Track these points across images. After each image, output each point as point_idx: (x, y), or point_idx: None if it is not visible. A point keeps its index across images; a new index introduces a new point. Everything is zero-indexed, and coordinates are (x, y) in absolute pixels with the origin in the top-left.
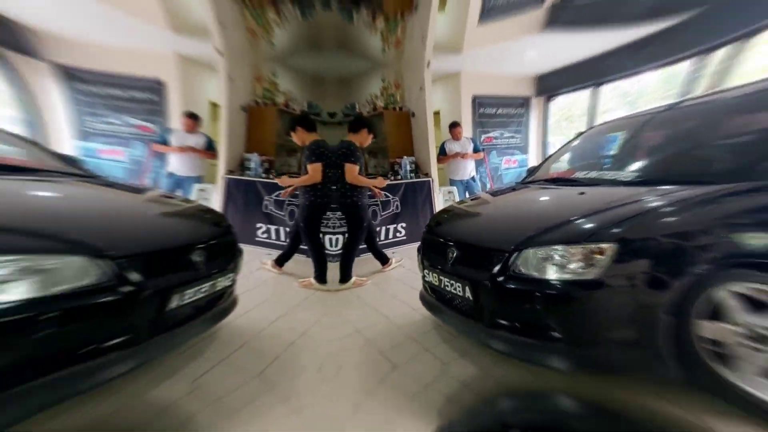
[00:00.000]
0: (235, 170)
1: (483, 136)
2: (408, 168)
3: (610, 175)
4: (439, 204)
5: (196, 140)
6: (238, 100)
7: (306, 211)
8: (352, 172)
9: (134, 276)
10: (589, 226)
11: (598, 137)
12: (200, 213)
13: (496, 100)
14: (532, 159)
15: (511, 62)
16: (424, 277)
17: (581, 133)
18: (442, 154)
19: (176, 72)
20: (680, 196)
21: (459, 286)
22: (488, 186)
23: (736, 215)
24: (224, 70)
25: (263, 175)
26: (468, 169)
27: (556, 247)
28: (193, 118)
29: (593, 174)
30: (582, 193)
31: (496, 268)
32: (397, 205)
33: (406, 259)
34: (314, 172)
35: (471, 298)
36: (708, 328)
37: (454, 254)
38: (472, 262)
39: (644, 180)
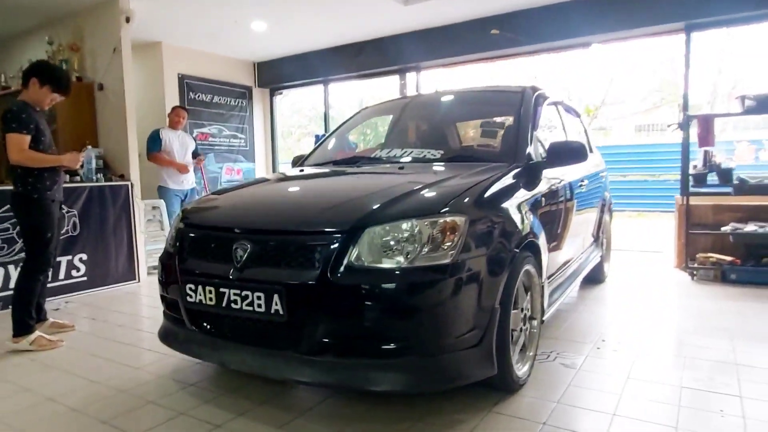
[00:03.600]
0: None
1: (196, 131)
2: (93, 164)
3: (414, 153)
4: (142, 226)
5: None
6: None
7: None
8: (18, 144)
9: None
10: (436, 198)
11: (372, 119)
12: None
13: (211, 84)
14: (261, 170)
15: (232, 39)
16: (186, 297)
17: (350, 119)
18: (155, 147)
19: None
20: (485, 174)
21: (260, 299)
22: None
23: (521, 196)
24: None
25: None
26: (191, 175)
27: (406, 222)
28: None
29: (396, 152)
30: (401, 168)
31: (326, 260)
32: (74, 222)
33: (81, 318)
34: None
35: (282, 312)
36: (512, 317)
37: (249, 250)
38: (283, 257)
39: (449, 158)
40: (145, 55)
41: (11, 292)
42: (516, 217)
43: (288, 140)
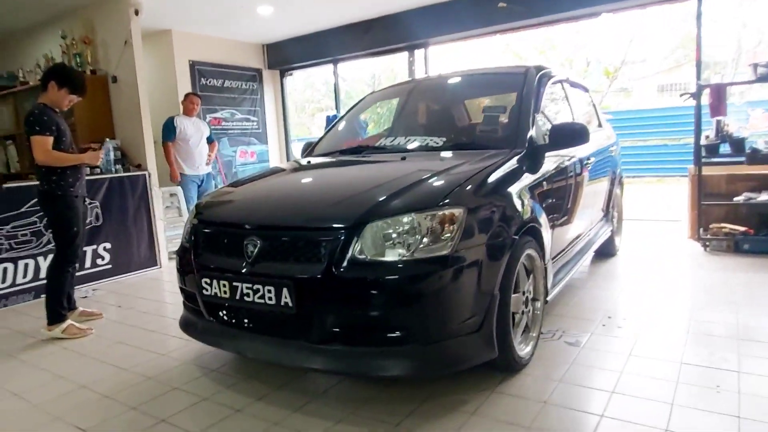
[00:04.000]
0: None
1: (209, 117)
2: (111, 156)
3: (417, 141)
4: (161, 213)
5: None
6: None
7: None
8: (42, 146)
9: None
10: (435, 191)
11: (376, 106)
12: None
13: (221, 69)
14: (274, 152)
15: (240, 24)
16: (202, 290)
17: (358, 103)
18: (170, 136)
19: None
20: (484, 163)
21: (270, 292)
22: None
23: (514, 182)
24: None
25: None
26: (204, 158)
27: (406, 217)
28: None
29: (400, 141)
30: (404, 158)
31: (332, 254)
32: (97, 213)
33: (108, 306)
34: None
35: (291, 304)
36: (513, 301)
37: (259, 246)
38: (291, 252)
39: (451, 146)
40: (156, 44)
41: (41, 282)
42: (516, 203)
43: (302, 116)
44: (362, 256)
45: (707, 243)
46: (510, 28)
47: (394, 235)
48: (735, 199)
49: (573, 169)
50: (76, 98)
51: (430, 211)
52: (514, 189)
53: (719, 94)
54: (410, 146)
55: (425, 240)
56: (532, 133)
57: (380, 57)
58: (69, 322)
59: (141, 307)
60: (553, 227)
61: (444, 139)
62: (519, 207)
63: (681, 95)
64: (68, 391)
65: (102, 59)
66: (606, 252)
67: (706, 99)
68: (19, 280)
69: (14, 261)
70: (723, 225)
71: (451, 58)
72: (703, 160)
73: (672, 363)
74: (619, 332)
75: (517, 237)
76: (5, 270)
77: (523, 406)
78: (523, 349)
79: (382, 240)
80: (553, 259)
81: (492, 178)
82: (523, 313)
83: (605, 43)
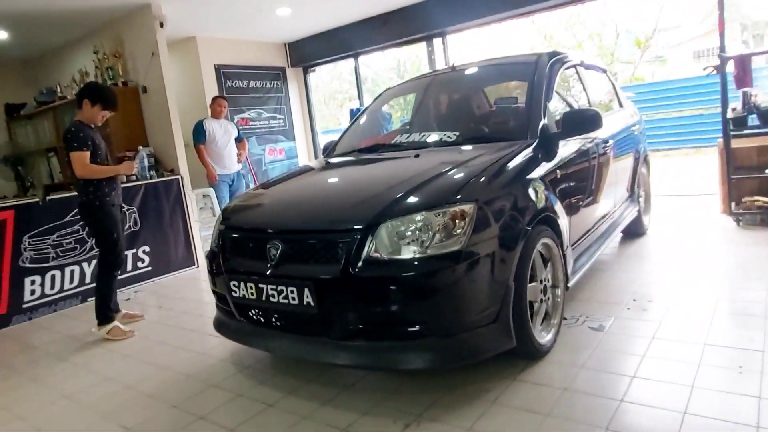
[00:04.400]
0: None
1: (237, 117)
2: (145, 163)
3: (432, 137)
4: (195, 215)
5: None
6: None
7: None
8: (81, 160)
9: None
10: (445, 188)
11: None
12: None
13: (245, 70)
14: (302, 148)
15: (261, 25)
16: (231, 292)
17: (377, 97)
18: (200, 139)
19: None
20: (495, 156)
21: (293, 293)
22: (252, 185)
23: (526, 173)
24: None
25: None
26: (233, 158)
27: (417, 215)
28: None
29: (411, 137)
30: (417, 156)
31: (348, 255)
32: (135, 219)
33: (150, 307)
34: None
35: (313, 304)
36: (529, 290)
37: (281, 249)
38: (310, 254)
39: (464, 140)
40: (182, 51)
41: (88, 287)
42: (528, 194)
43: (331, 106)
44: (377, 255)
45: (740, 217)
46: (526, 12)
47: (407, 234)
48: (767, 171)
49: (590, 154)
50: (108, 113)
51: (441, 208)
52: (525, 180)
53: (744, 64)
54: (424, 142)
55: (437, 236)
56: (544, 122)
57: (400, 48)
58: (114, 323)
59: (180, 308)
60: (570, 214)
61: (457, 133)
62: (532, 197)
63: (704, 68)
64: (114, 392)
65: (132, 71)
66: (634, 232)
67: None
68: (67, 285)
69: (61, 268)
70: (756, 198)
71: (474, 44)
72: (732, 132)
73: (696, 344)
74: (644, 315)
75: (530, 227)
76: (53, 277)
77: (543, 393)
78: (544, 337)
79: (395, 238)
80: (573, 245)
81: (502, 171)
82: (541, 301)
83: (634, 12)
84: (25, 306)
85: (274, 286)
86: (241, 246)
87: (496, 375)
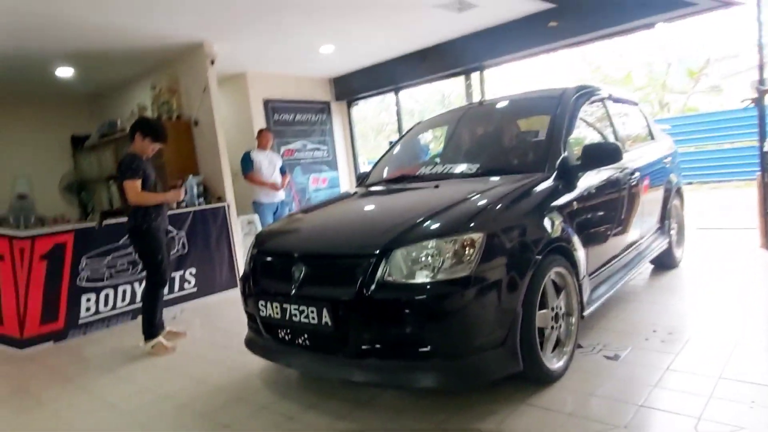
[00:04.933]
0: None
1: (283, 149)
2: (194, 191)
3: (449, 169)
4: (239, 240)
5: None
6: None
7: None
8: (133, 189)
9: None
10: (456, 217)
11: (424, 134)
12: None
13: (292, 104)
14: (344, 177)
15: (307, 62)
16: (258, 312)
17: (408, 131)
18: (248, 168)
19: None
20: (508, 188)
21: (313, 313)
22: None
23: (540, 205)
24: None
25: None
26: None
27: (428, 243)
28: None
29: (435, 169)
30: (437, 187)
31: (362, 278)
32: (183, 243)
33: (193, 325)
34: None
35: (330, 323)
36: (539, 317)
37: (303, 272)
38: (329, 277)
39: (475, 172)
40: (233, 86)
41: (137, 306)
42: (540, 225)
43: (378, 138)
44: (390, 279)
45: None
46: (563, 45)
47: (419, 259)
48: None
49: (615, 186)
50: (158, 145)
51: (451, 236)
52: (538, 211)
53: None
54: (446, 173)
55: (447, 263)
56: (564, 155)
57: (439, 82)
58: (158, 339)
59: (219, 326)
60: (589, 245)
61: (478, 165)
62: (544, 228)
63: (741, 101)
64: (152, 401)
65: (185, 105)
66: (665, 264)
67: None
68: (119, 304)
69: (114, 287)
70: None
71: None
72: None
73: (710, 378)
74: (662, 346)
75: (540, 257)
76: (107, 296)
77: (549, 417)
78: (554, 363)
79: (408, 263)
80: (591, 275)
81: (515, 203)
82: (552, 328)
83: (686, 42)
84: (81, 322)
85: (296, 306)
86: (269, 269)
87: (505, 398)
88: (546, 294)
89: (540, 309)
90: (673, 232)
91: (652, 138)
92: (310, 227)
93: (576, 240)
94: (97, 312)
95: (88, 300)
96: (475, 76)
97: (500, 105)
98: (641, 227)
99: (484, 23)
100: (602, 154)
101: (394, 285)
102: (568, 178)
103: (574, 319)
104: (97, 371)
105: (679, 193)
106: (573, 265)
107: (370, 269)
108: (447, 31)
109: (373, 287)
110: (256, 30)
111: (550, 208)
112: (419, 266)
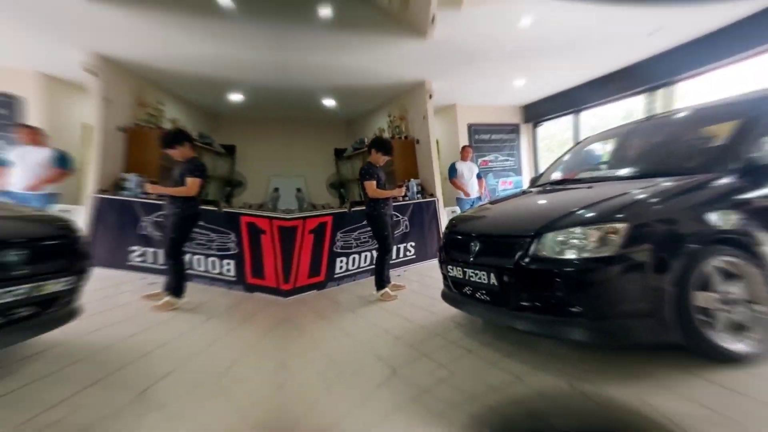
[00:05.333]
0: (109, 190)
1: (480, 160)
2: (414, 189)
3: (609, 173)
4: (445, 224)
5: (42, 155)
6: (114, 121)
7: (186, 221)
8: (370, 187)
9: None
10: (603, 210)
11: (591, 146)
12: (31, 215)
13: (489, 127)
14: (526, 180)
15: (502, 94)
16: (447, 273)
17: (576, 144)
18: (453, 175)
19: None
20: (669, 186)
21: (484, 275)
22: None
23: (707, 201)
24: (98, 90)
25: (142, 196)
26: (476, 187)
27: (574, 229)
28: (32, 129)
29: (595, 173)
30: (590, 187)
31: (520, 253)
32: (406, 225)
33: (411, 281)
34: (194, 185)
35: (496, 284)
36: (699, 297)
37: (478, 246)
38: (496, 251)
39: (639, 174)
40: (445, 114)
41: (372, 266)
42: (699, 218)
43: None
44: (540, 254)
45: None
46: (756, 52)
47: (566, 241)
48: None
49: None
50: (387, 158)
51: (597, 224)
52: (700, 207)
53: None
54: (604, 177)
55: (592, 245)
56: (750, 155)
57: (618, 102)
58: (385, 290)
59: (428, 283)
60: None
61: (638, 168)
62: (705, 222)
63: None
64: (377, 333)
65: (411, 129)
66: None
67: None
68: (362, 264)
69: (359, 253)
70: None
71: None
72: None
73: None
74: None
75: (698, 246)
76: (354, 258)
77: (717, 393)
78: (733, 344)
79: (554, 244)
80: None
81: (669, 199)
82: (720, 310)
83: None
84: (335, 276)
85: (473, 270)
86: (455, 243)
87: (671, 367)
88: (711, 278)
89: (704, 291)
90: None
91: None
92: (487, 215)
93: (760, 234)
94: (347, 270)
95: (341, 261)
96: (662, 92)
97: (671, 118)
98: None
99: (674, 42)
100: None
101: (544, 259)
102: (755, 177)
103: (760, 307)
104: (343, 311)
105: None
106: (754, 256)
107: (526, 246)
108: (634, 56)
109: (527, 259)
110: (463, 70)
111: (721, 204)
112: (566, 245)
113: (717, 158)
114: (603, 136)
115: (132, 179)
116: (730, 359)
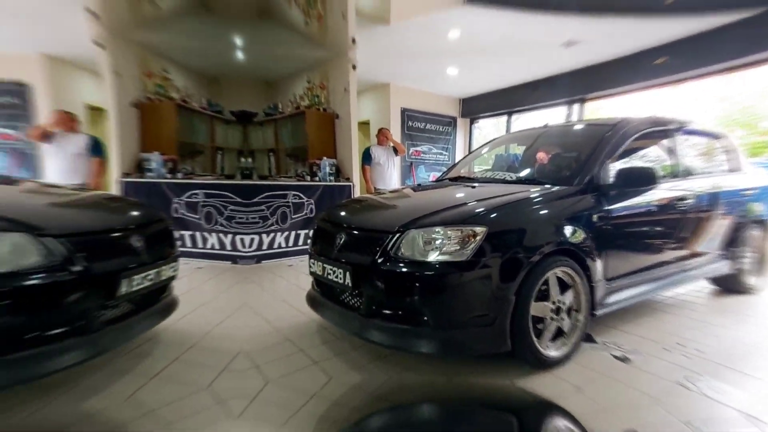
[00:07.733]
0: (132, 172)
1: (412, 149)
2: (327, 170)
3: (497, 174)
4: None
5: (79, 142)
6: (127, 97)
7: None
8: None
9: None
10: (467, 211)
11: (497, 147)
12: (113, 200)
13: (424, 115)
14: None
15: (437, 80)
16: (310, 268)
17: (487, 143)
18: (367, 161)
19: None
20: (531, 194)
21: (340, 273)
22: None
23: (558, 213)
24: (108, 64)
25: (168, 176)
26: (394, 178)
27: (436, 228)
28: (68, 114)
29: (487, 174)
30: (473, 187)
31: (378, 251)
32: (311, 208)
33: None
34: None
35: (350, 284)
36: (535, 307)
37: (342, 240)
38: (356, 246)
39: (520, 180)
40: (378, 93)
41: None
42: (546, 229)
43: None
44: (398, 254)
45: None
46: (666, 81)
47: (428, 241)
48: None
49: (660, 207)
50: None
51: (456, 226)
52: (549, 218)
53: None
54: (492, 178)
55: (447, 247)
56: (594, 173)
57: (544, 110)
58: None
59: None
60: (611, 253)
61: (517, 174)
62: (551, 233)
63: None
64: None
65: (331, 101)
66: (732, 288)
67: None
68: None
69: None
70: None
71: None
72: None
73: (703, 397)
74: (681, 360)
75: (539, 256)
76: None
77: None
78: (551, 352)
79: (416, 244)
80: (610, 280)
81: (526, 207)
82: (552, 319)
83: None
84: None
85: (331, 267)
86: (321, 235)
87: (496, 373)
88: (548, 288)
89: (541, 301)
90: (745, 260)
91: (737, 170)
92: (364, 206)
93: (593, 247)
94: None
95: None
96: (576, 107)
97: (559, 129)
98: (690, 248)
99: (589, 60)
100: (635, 176)
101: (401, 259)
102: (597, 194)
103: (581, 316)
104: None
105: (762, 224)
106: (585, 268)
107: (386, 243)
108: (556, 67)
109: (384, 258)
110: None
111: (566, 217)
112: (427, 246)
113: (572, 174)
114: (506, 140)
115: (154, 159)
116: (546, 365)
